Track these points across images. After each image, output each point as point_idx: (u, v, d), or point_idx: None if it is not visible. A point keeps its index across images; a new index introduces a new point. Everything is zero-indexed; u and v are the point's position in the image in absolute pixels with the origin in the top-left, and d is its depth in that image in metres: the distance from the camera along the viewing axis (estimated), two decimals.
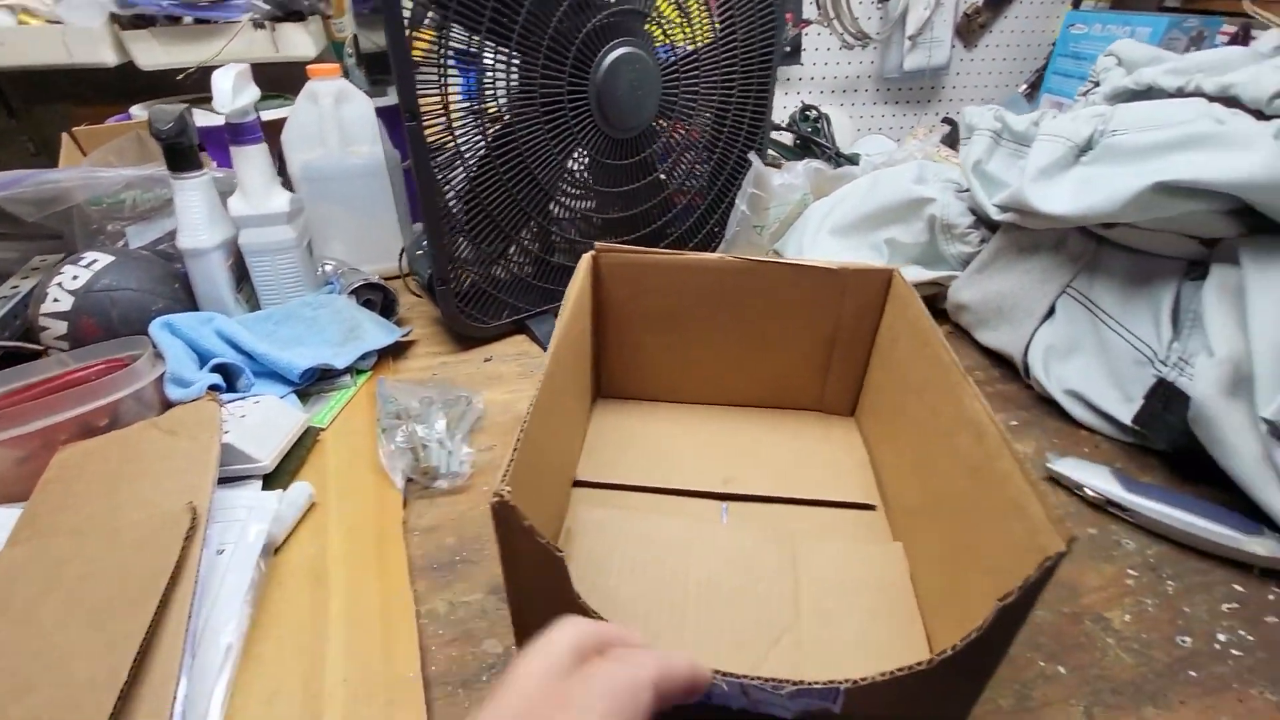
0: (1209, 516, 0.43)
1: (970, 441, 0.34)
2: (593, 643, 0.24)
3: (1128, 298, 0.53)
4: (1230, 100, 0.49)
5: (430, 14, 0.49)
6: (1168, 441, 0.49)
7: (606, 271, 0.51)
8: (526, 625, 0.33)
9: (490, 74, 0.54)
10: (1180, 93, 0.52)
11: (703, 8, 0.65)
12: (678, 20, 0.64)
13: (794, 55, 0.99)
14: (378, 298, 0.67)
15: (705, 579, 0.39)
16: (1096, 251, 0.56)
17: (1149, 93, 0.54)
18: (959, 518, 0.35)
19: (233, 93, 0.53)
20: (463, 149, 0.56)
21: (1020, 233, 0.60)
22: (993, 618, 0.26)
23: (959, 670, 0.28)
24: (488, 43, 0.53)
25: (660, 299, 0.51)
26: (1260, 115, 0.48)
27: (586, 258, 0.49)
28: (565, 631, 0.24)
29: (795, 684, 0.28)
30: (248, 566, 0.38)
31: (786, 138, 0.97)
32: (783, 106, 1.04)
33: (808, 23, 0.95)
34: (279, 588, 0.39)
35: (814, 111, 0.92)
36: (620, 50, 0.60)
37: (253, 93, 0.56)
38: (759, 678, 0.28)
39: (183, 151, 0.54)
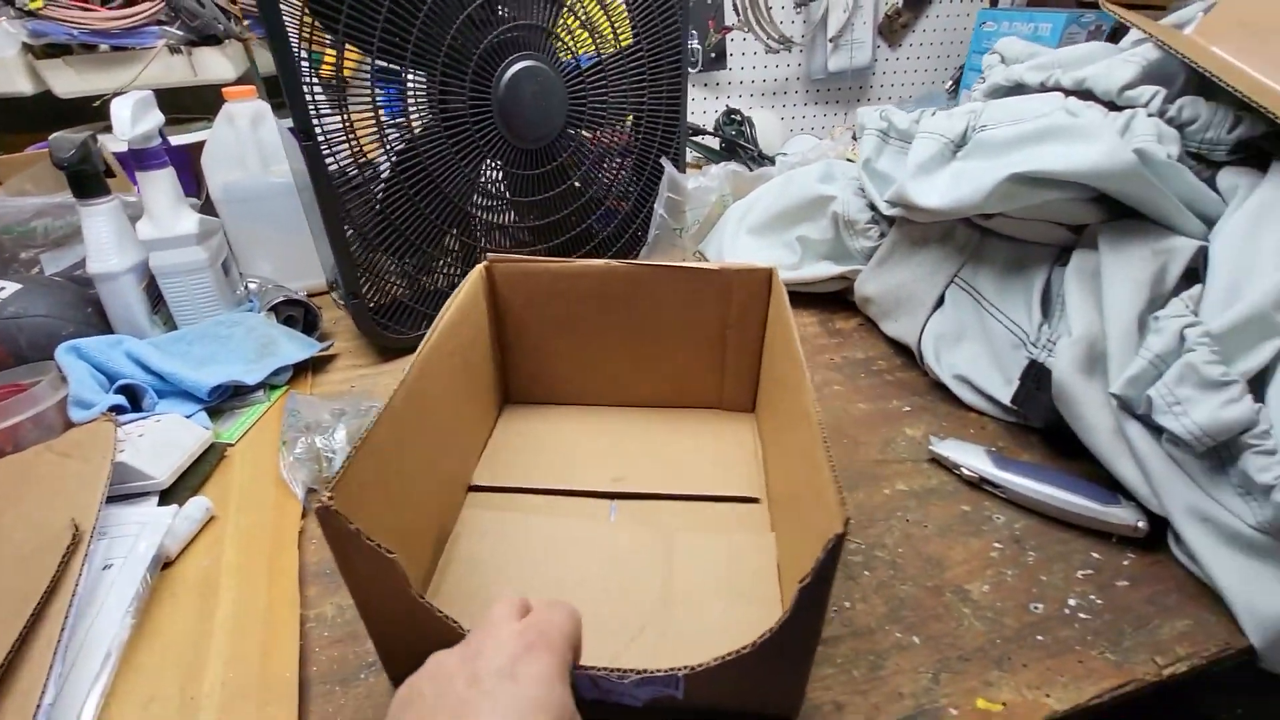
0: (1071, 489, 0.46)
1: (804, 433, 0.36)
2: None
3: (1006, 284, 0.56)
4: (1085, 93, 0.52)
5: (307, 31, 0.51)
6: (1042, 419, 0.51)
7: (501, 280, 0.52)
8: (376, 628, 0.34)
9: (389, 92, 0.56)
10: (1043, 87, 0.54)
11: (604, 19, 0.67)
12: (579, 33, 0.66)
13: (719, 60, 1.02)
14: (299, 314, 0.69)
15: (581, 577, 0.41)
16: (981, 242, 0.59)
17: (1019, 88, 0.57)
18: (801, 505, 0.37)
19: (132, 120, 0.54)
20: (363, 169, 0.58)
21: (912, 226, 0.62)
22: (795, 599, 0.28)
23: (781, 650, 0.30)
24: (380, 62, 0.55)
25: (556, 306, 0.53)
26: (1113, 106, 0.51)
27: (479, 268, 0.51)
28: (506, 600, 0.30)
29: (639, 673, 0.30)
30: (133, 580, 0.39)
31: (715, 141, 1.00)
32: (715, 110, 1.06)
33: (729, 29, 0.97)
34: (170, 599, 0.41)
35: (738, 115, 0.95)
36: (521, 64, 0.62)
37: (155, 118, 0.57)
38: (605, 668, 0.30)
39: (87, 178, 0.55)
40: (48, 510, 0.40)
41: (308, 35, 0.50)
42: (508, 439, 0.54)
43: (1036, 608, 0.40)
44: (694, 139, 0.99)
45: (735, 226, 0.78)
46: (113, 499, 0.44)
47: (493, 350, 0.54)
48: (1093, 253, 0.50)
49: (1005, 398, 0.54)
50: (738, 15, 0.96)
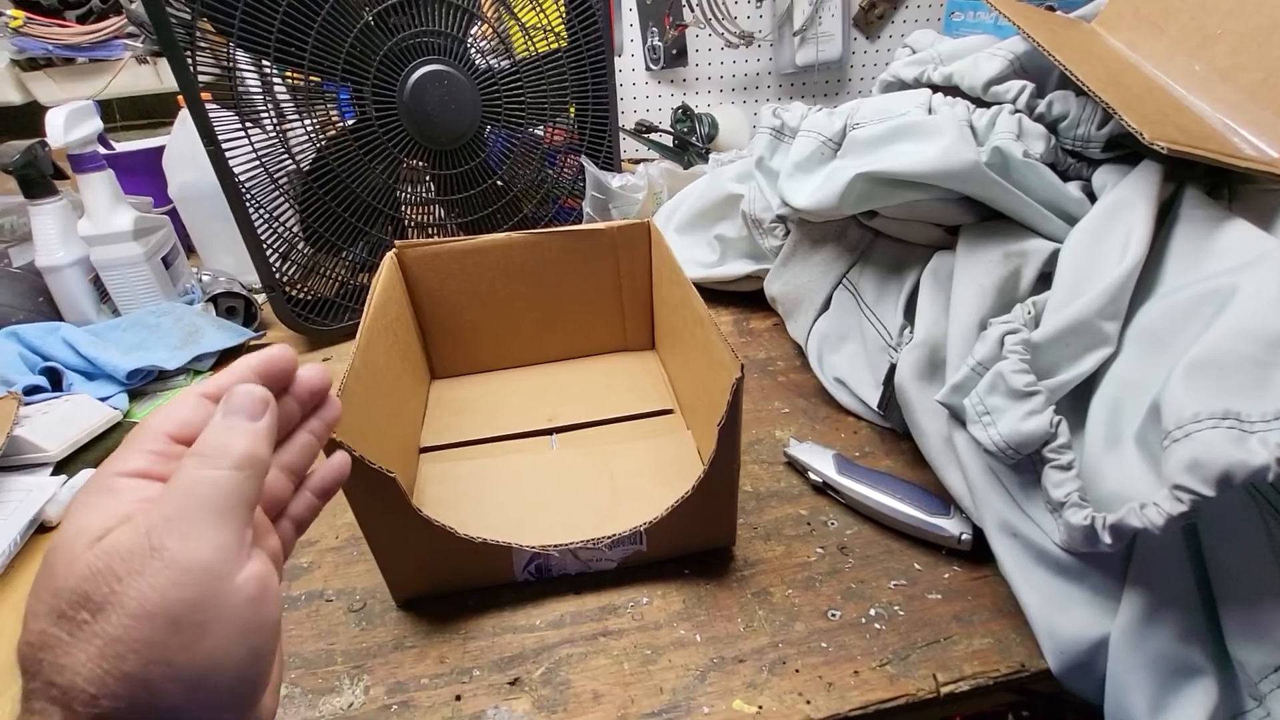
0: (904, 498, 0.45)
1: (700, 332, 0.43)
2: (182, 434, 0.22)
3: (883, 286, 0.54)
4: (953, 89, 0.50)
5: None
6: (902, 425, 0.50)
7: (412, 264, 0.55)
8: (381, 548, 0.39)
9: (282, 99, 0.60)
10: (916, 83, 0.52)
11: (517, 30, 0.68)
12: (489, 40, 0.68)
13: (680, 57, 1.01)
14: (240, 305, 0.74)
15: (539, 497, 0.47)
16: (872, 243, 0.57)
17: (901, 84, 0.55)
18: (706, 391, 0.44)
19: (65, 128, 0.59)
20: (273, 172, 0.62)
21: (810, 226, 0.61)
22: (717, 437, 0.37)
23: (714, 485, 0.40)
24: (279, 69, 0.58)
25: (465, 281, 0.57)
26: (980, 103, 0.49)
27: (390, 255, 0.53)
28: (149, 424, 0.22)
29: (610, 537, 0.40)
30: (4, 540, 0.44)
31: (669, 139, 1.00)
32: (681, 106, 1.06)
33: (685, 25, 0.97)
34: (38, 558, 0.45)
35: (689, 112, 0.95)
36: (427, 68, 0.65)
37: (92, 126, 0.63)
38: (582, 541, 0.40)
39: (33, 181, 0.61)
40: None
41: (198, 41, 0.54)
42: (443, 405, 0.58)
43: (834, 614, 0.40)
44: (648, 136, 0.99)
45: (664, 223, 0.79)
46: (7, 468, 0.49)
47: (415, 329, 0.58)
48: (952, 255, 0.48)
49: (874, 402, 0.53)
50: (692, 11, 0.95)
